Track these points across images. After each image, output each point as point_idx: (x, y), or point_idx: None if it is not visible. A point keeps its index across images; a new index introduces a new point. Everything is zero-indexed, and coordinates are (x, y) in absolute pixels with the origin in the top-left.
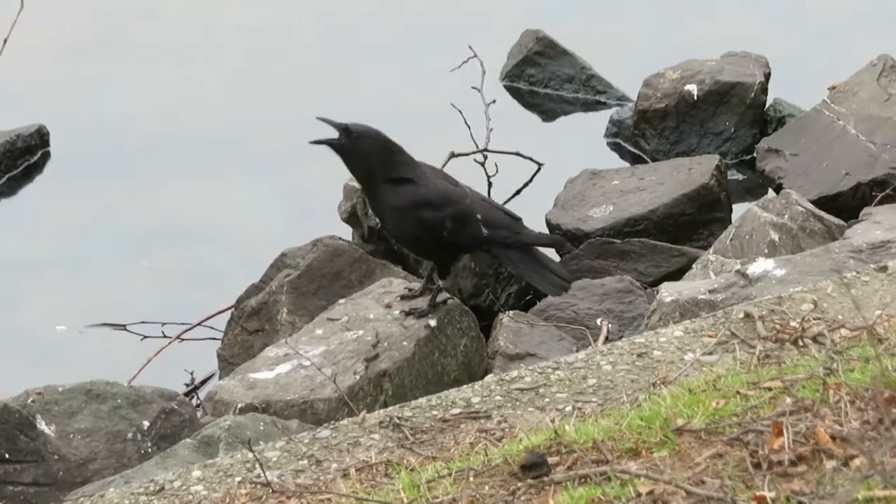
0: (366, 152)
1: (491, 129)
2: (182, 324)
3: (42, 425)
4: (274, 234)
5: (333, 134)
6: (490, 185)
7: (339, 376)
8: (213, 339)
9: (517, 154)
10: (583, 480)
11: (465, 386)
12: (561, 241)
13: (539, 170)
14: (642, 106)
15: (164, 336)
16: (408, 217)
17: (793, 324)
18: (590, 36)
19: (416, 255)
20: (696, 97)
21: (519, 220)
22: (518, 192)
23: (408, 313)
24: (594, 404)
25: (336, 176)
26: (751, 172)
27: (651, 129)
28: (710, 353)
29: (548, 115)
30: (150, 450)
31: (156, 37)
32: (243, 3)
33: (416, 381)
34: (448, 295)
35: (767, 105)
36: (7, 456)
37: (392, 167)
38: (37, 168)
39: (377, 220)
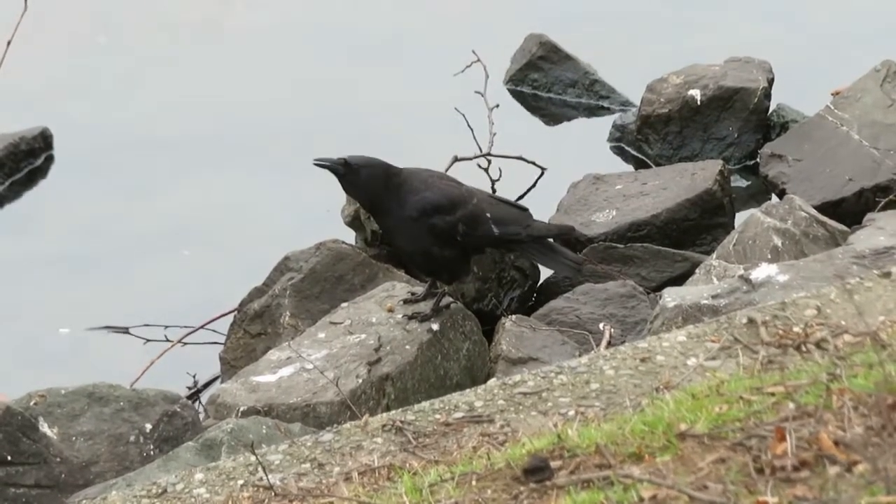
0: (366, 182)
1: (494, 134)
2: (185, 327)
3: (44, 428)
4: (277, 238)
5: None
6: (493, 189)
7: (341, 380)
8: (216, 342)
9: (520, 158)
10: (585, 485)
11: (467, 390)
12: (568, 228)
13: (542, 174)
14: (645, 111)
15: (167, 339)
16: (419, 227)
17: (796, 329)
18: (593, 40)
19: (425, 272)
20: (699, 102)
21: (526, 211)
22: (521, 196)
23: (410, 317)
24: (597, 409)
25: None
26: (754, 178)
27: (654, 134)
28: (714, 359)
29: (551, 120)
30: (152, 452)
31: (158, 38)
32: (245, 5)
33: (418, 384)
34: (451, 299)
35: (771, 110)
36: (9, 458)
37: (394, 188)
38: (40, 171)
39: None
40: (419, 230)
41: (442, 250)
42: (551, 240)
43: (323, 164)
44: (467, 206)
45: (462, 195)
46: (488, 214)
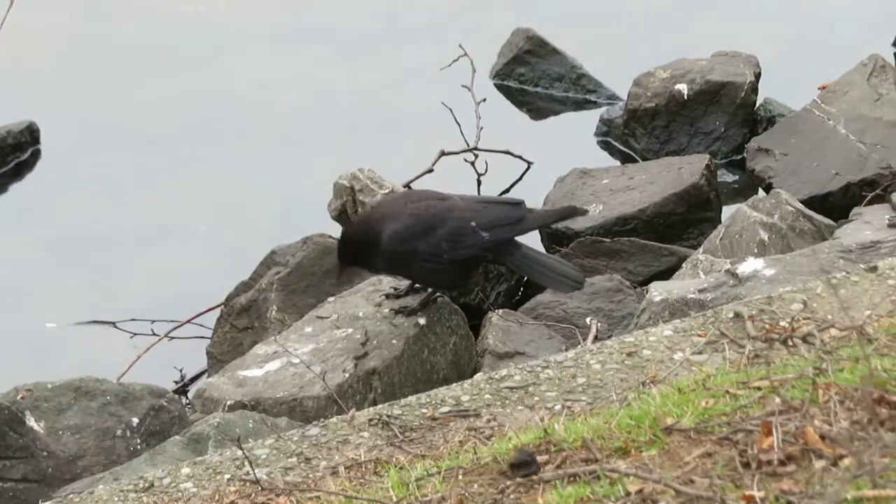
0: (359, 248)
1: (481, 128)
2: (171, 321)
3: (31, 422)
4: (264, 232)
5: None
6: (480, 183)
7: (328, 374)
8: (203, 336)
9: (507, 153)
10: (572, 479)
11: (454, 384)
12: (570, 209)
13: (529, 168)
14: (632, 105)
15: (154, 333)
16: (404, 255)
17: (782, 323)
18: (580, 35)
19: (424, 285)
20: (686, 96)
21: (520, 204)
22: (507, 190)
23: (397, 311)
24: (583, 403)
25: (326, 174)
26: (741, 172)
27: (641, 129)
28: (700, 353)
29: (538, 114)
30: (139, 447)
31: (145, 35)
32: (235, 3)
33: (405, 379)
34: (438, 293)
35: (757, 105)
36: None
37: (376, 229)
38: (27, 165)
39: None
40: (405, 259)
41: (432, 269)
42: (549, 254)
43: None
44: (446, 223)
45: (438, 213)
46: (473, 223)
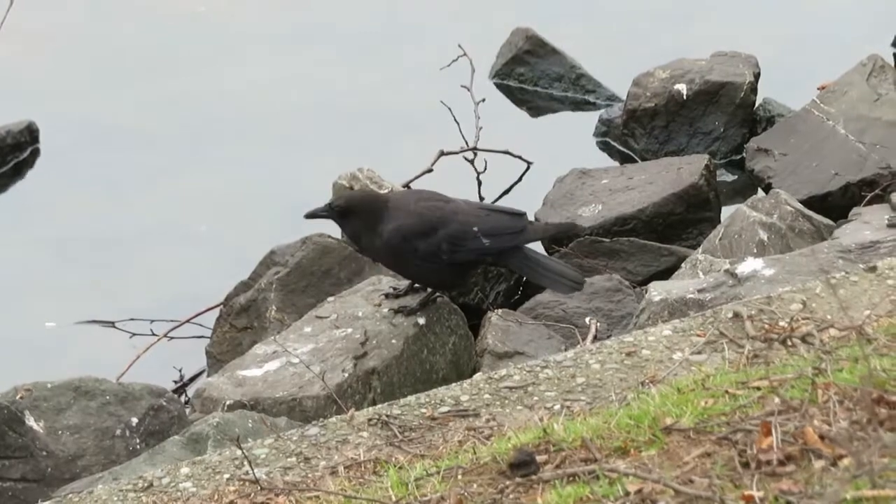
0: (351, 219)
1: (480, 128)
2: (171, 321)
3: (31, 421)
4: (264, 232)
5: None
6: (479, 183)
7: (327, 374)
8: (202, 336)
9: (506, 152)
10: (571, 479)
11: (453, 384)
12: (569, 226)
13: (528, 168)
14: (632, 105)
15: (153, 333)
16: (404, 253)
17: (782, 323)
18: (580, 35)
19: (430, 287)
20: (685, 96)
21: (522, 215)
22: (507, 190)
23: (397, 311)
24: (583, 403)
25: (325, 173)
26: (740, 172)
27: (640, 129)
28: (699, 353)
29: (537, 114)
30: (138, 446)
31: (146, 35)
32: (235, 3)
33: (404, 378)
34: (438, 293)
35: (757, 105)
36: None
37: (377, 217)
38: (26, 165)
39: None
40: (403, 255)
41: (430, 269)
42: (550, 255)
43: (313, 215)
44: (449, 225)
45: (443, 215)
46: (475, 228)
